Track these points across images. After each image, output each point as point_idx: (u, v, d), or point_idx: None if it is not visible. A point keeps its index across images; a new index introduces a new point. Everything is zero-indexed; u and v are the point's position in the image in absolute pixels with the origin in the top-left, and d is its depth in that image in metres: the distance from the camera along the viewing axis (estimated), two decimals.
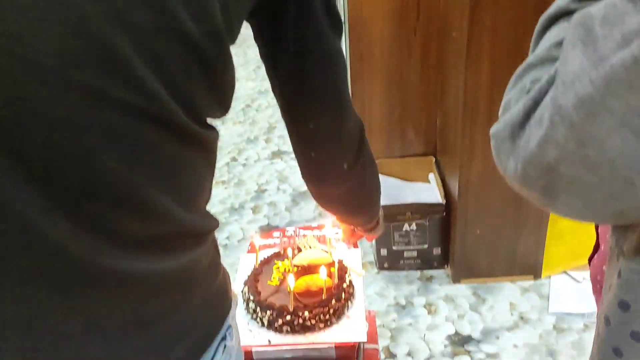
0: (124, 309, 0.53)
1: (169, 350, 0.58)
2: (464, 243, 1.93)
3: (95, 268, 0.50)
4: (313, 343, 1.03)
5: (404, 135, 2.17)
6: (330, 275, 1.11)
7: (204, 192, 0.60)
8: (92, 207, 0.48)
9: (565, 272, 1.97)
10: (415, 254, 2.05)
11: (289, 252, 1.15)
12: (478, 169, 1.78)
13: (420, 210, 1.96)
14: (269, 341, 1.05)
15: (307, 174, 0.78)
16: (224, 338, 0.66)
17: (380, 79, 2.06)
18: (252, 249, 1.27)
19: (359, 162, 0.77)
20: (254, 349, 1.04)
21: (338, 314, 1.08)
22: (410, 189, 2.18)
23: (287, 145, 2.97)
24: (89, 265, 0.50)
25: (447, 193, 1.99)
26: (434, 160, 2.18)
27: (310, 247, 1.22)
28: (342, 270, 1.14)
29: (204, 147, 0.57)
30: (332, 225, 1.21)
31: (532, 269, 1.98)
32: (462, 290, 1.98)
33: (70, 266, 0.49)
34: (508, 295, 1.94)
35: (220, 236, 2.35)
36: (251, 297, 1.09)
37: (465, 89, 1.64)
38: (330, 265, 1.14)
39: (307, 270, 1.14)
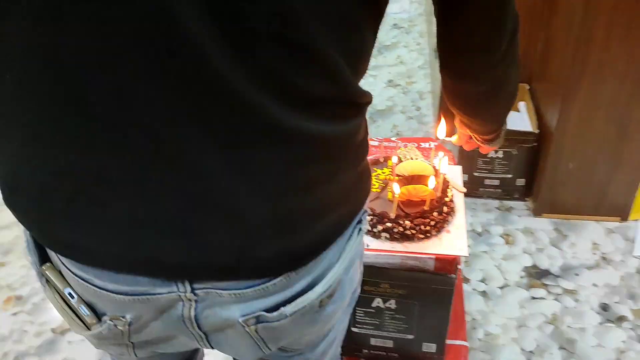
0: (283, 168, 0.52)
1: (317, 219, 0.57)
2: (554, 176, 1.84)
3: (266, 119, 0.49)
4: (414, 252, 1.02)
5: None
6: (433, 187, 1.08)
7: (366, 60, 0.57)
8: (267, 53, 0.47)
9: None
10: (497, 182, 1.98)
11: (394, 159, 1.12)
12: (583, 98, 1.66)
13: (510, 137, 1.87)
14: (367, 245, 1.04)
15: (447, 66, 0.72)
16: (360, 221, 0.65)
17: None
18: None
19: (507, 59, 0.71)
20: None
21: (438, 227, 1.06)
22: None
23: None
24: (259, 115, 0.49)
25: (541, 123, 1.88)
26: (527, 87, 2.06)
27: (411, 158, 1.18)
28: (445, 184, 1.10)
29: (374, 11, 0.54)
30: (446, 134, 1.16)
31: (621, 210, 1.89)
32: (543, 224, 1.92)
33: (240, 113, 0.48)
34: (591, 234, 1.87)
35: None
36: None
37: (586, 7, 1.51)
38: (434, 177, 1.11)
39: (409, 180, 1.11)
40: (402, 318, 1.11)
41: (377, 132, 2.40)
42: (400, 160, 1.18)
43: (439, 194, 1.08)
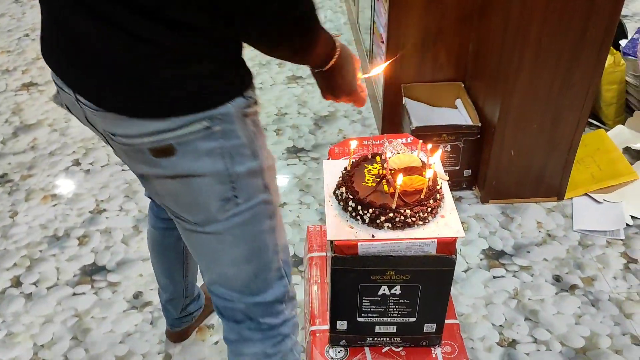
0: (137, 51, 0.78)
1: (159, 85, 0.79)
2: (498, 165, 2.00)
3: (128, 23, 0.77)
4: (418, 238, 1.09)
5: (436, 59, 2.19)
6: (429, 177, 1.16)
7: None
8: None
9: (586, 194, 2.09)
10: (447, 174, 2.11)
11: (388, 153, 1.19)
12: (521, 91, 1.83)
13: (456, 132, 2.02)
14: (373, 236, 1.10)
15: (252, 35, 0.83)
16: (208, 127, 0.82)
17: (419, 3, 2.04)
18: (332, 156, 1.31)
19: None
20: (360, 244, 1.09)
21: (434, 213, 1.14)
22: (437, 113, 2.22)
23: (302, 71, 2.95)
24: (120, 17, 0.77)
25: (482, 116, 2.04)
26: (462, 85, 2.22)
27: (398, 152, 1.26)
28: (434, 173, 1.19)
29: None
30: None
31: (556, 191, 2.08)
32: (491, 209, 2.07)
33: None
34: (534, 214, 2.05)
35: None
36: (350, 197, 1.14)
37: (522, 8, 1.67)
38: (424, 168, 1.19)
39: (402, 172, 1.18)
40: (405, 302, 1.18)
41: (324, 136, 2.47)
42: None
43: (430, 182, 1.16)
